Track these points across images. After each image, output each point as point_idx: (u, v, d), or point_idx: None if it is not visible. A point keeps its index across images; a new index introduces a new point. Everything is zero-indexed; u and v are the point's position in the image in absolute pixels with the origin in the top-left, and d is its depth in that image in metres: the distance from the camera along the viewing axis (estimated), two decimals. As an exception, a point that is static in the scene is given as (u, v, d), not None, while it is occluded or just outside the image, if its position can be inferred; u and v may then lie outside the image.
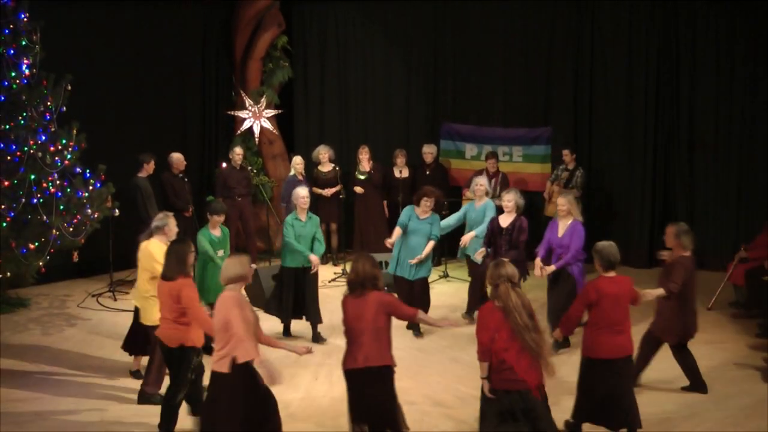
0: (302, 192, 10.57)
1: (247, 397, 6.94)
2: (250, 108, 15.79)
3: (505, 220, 10.53)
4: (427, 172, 14.76)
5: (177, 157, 13.71)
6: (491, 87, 15.59)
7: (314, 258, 10.61)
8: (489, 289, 7.08)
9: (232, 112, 15.98)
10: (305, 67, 16.48)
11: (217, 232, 10.35)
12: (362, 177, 14.69)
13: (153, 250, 8.70)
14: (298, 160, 14.26)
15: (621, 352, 7.74)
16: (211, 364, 7.06)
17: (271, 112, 15.95)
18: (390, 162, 14.90)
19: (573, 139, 14.91)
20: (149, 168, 13.26)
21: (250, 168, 14.95)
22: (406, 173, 14.65)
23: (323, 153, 14.61)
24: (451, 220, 11.79)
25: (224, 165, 14.59)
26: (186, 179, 13.59)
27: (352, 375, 7.09)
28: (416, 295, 10.72)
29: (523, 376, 6.83)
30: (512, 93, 15.49)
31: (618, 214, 15.00)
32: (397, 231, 10.88)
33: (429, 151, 14.86)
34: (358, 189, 14.62)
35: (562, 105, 15.17)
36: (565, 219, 10.05)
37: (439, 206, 11.30)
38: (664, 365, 9.44)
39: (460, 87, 15.85)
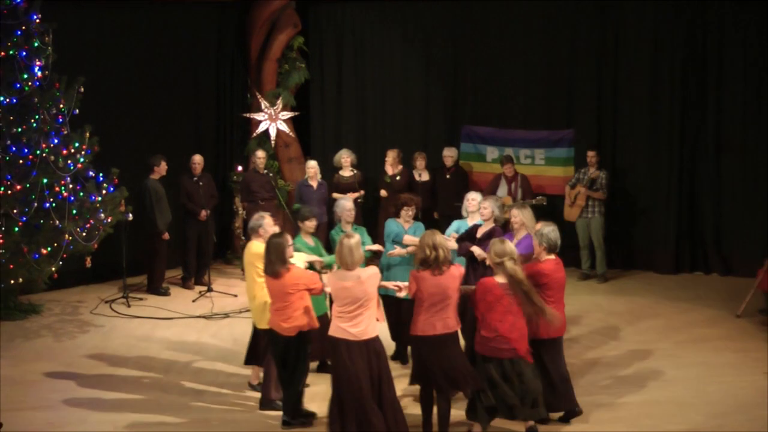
0: (348, 204, 10.27)
1: None
2: (265, 110, 15.79)
3: (481, 229, 10.01)
4: (447, 176, 14.72)
5: (196, 159, 13.79)
6: (512, 88, 15.51)
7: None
8: (492, 263, 8.00)
9: (248, 115, 15.98)
10: (322, 68, 16.46)
11: (309, 241, 9.87)
12: (389, 180, 14.61)
13: (257, 251, 8.70)
14: (310, 165, 14.26)
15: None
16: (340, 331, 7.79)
17: (287, 115, 15.94)
18: (410, 165, 14.84)
19: (596, 140, 14.82)
20: (161, 170, 13.31)
21: (266, 171, 14.93)
22: (426, 177, 14.61)
23: (345, 157, 14.55)
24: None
25: (239, 168, 14.57)
26: (201, 183, 13.61)
27: (427, 341, 7.93)
28: (404, 317, 9.60)
29: (515, 345, 7.88)
30: (534, 94, 15.41)
31: (642, 217, 14.88)
32: (399, 250, 10.25)
33: (449, 155, 14.83)
34: (383, 192, 14.50)
35: (585, 106, 15.07)
36: (520, 232, 9.68)
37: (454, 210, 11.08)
38: (685, 375, 9.39)
39: (480, 88, 15.77)
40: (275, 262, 8.12)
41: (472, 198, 10.21)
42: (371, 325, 7.84)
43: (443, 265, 7.90)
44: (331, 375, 8.00)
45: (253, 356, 9.37)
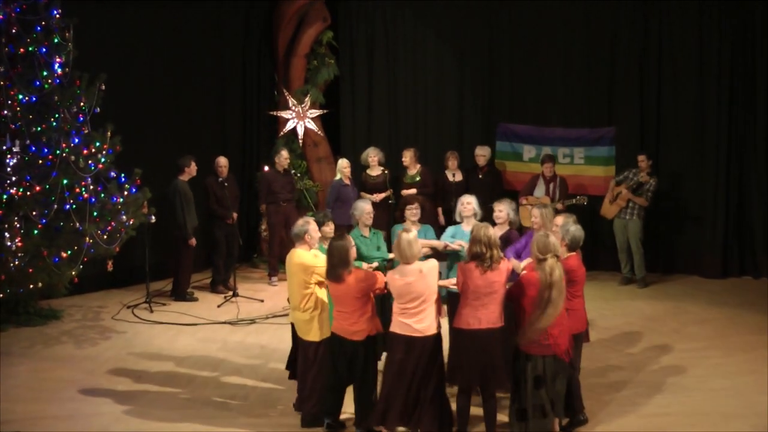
0: (366, 207, 10.23)
1: None
2: (293, 108, 15.78)
3: (495, 233, 10.00)
4: (480, 176, 14.63)
5: (221, 161, 13.80)
6: (550, 85, 15.41)
7: (365, 266, 10.35)
8: (534, 258, 7.99)
9: (275, 113, 15.98)
10: (352, 64, 16.40)
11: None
12: (408, 181, 14.53)
13: (302, 260, 8.62)
14: (344, 164, 14.18)
15: None
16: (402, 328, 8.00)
17: (315, 113, 15.92)
18: (442, 165, 14.77)
19: (639, 139, 14.71)
20: (191, 171, 13.34)
21: (293, 172, 14.91)
22: (459, 177, 14.51)
23: (373, 156, 14.47)
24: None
25: (266, 168, 14.58)
26: (226, 184, 13.62)
27: (469, 334, 8.04)
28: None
29: (556, 341, 7.91)
30: (573, 91, 15.30)
31: (687, 221, 14.76)
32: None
33: (482, 154, 14.73)
34: (408, 192, 14.38)
35: (626, 103, 14.96)
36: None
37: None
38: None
39: (516, 85, 15.68)
40: (338, 265, 8.14)
41: (467, 202, 10.06)
42: (434, 321, 8.05)
43: (495, 263, 8.01)
44: (385, 371, 8.15)
45: (296, 370, 9.18)
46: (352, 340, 8.26)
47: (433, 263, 8.14)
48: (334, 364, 8.40)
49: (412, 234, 8.11)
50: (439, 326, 8.11)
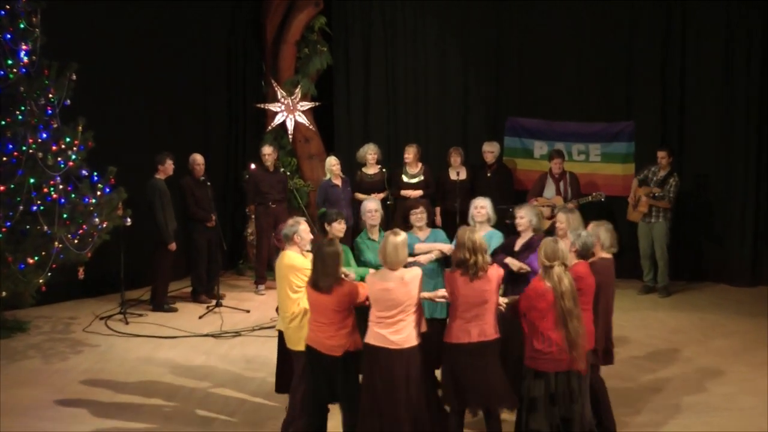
0: (370, 205, 10.04)
1: None
2: (282, 100, 15.79)
3: (519, 241, 9.81)
4: (488, 174, 14.62)
5: (198, 159, 13.77)
6: (564, 75, 15.43)
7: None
8: (540, 266, 7.91)
9: (262, 106, 15.99)
10: (347, 52, 16.42)
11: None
12: (408, 180, 14.52)
13: (292, 261, 8.57)
14: (332, 161, 14.15)
15: None
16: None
17: (306, 105, 15.94)
18: (444, 162, 14.77)
19: (660, 135, 14.72)
20: (167, 169, 13.32)
21: (282, 170, 14.91)
22: (463, 175, 14.45)
23: (372, 153, 14.41)
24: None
25: (253, 166, 14.57)
26: (209, 183, 13.61)
27: (462, 349, 7.95)
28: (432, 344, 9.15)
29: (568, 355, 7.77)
30: (588, 82, 15.32)
31: (714, 225, 14.79)
32: (423, 257, 9.91)
33: (490, 150, 14.72)
34: (411, 192, 14.34)
35: (647, 95, 14.99)
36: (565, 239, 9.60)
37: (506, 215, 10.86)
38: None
39: (526, 75, 15.69)
40: (326, 274, 8.04)
41: (481, 206, 10.00)
42: (413, 332, 7.95)
43: (480, 270, 7.92)
44: (363, 385, 8.07)
45: (285, 383, 9.14)
46: (329, 356, 8.15)
47: (417, 271, 8.07)
48: (314, 380, 8.32)
49: (400, 238, 8.02)
50: (419, 338, 8.01)
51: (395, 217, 10.73)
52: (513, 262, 9.34)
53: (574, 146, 15.03)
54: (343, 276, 8.33)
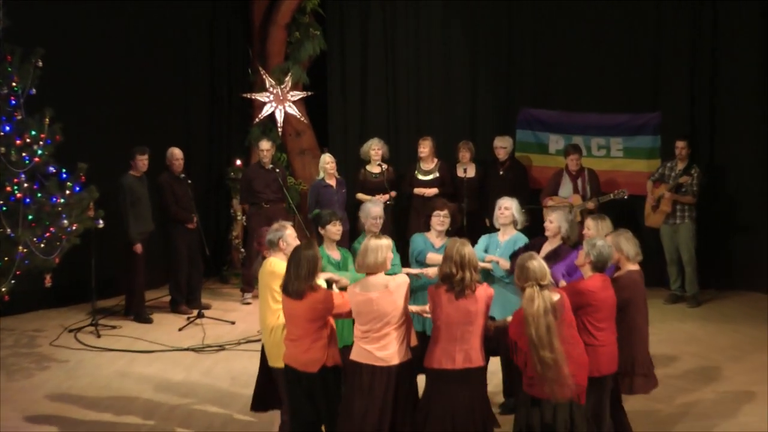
0: (375, 210, 9.99)
1: None
2: (271, 90, 15.77)
3: (545, 247, 9.79)
4: (501, 172, 14.63)
5: (176, 153, 13.73)
6: (582, 63, 15.44)
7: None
8: (517, 284, 7.76)
9: (249, 95, 15.97)
10: (342, 37, 16.41)
11: (335, 253, 9.69)
12: (423, 177, 14.49)
13: (275, 268, 8.55)
14: (327, 160, 14.12)
15: None
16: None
17: (298, 95, 15.92)
18: (452, 158, 14.75)
19: (689, 127, 14.70)
20: (141, 165, 13.30)
21: (271, 166, 14.86)
22: (472, 172, 14.46)
23: (377, 149, 14.36)
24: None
25: (238, 162, 14.55)
26: (189, 181, 13.58)
27: (443, 376, 7.82)
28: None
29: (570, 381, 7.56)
30: (610, 70, 15.33)
31: (746, 227, 14.78)
32: (422, 270, 9.91)
33: (502, 146, 14.72)
34: (424, 191, 14.30)
35: (674, 84, 15.01)
36: None
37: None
38: None
39: (541, 64, 15.73)
40: (301, 278, 7.96)
41: (506, 207, 9.96)
42: (401, 347, 7.87)
43: (467, 288, 7.78)
44: (342, 407, 8.02)
45: (262, 400, 9.16)
46: (306, 372, 8.11)
47: (403, 278, 7.99)
48: (295, 402, 8.29)
49: (383, 242, 7.97)
50: (408, 354, 7.94)
51: (410, 216, 10.55)
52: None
53: (593, 140, 15.02)
54: (325, 282, 8.37)
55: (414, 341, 8.20)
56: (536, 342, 7.41)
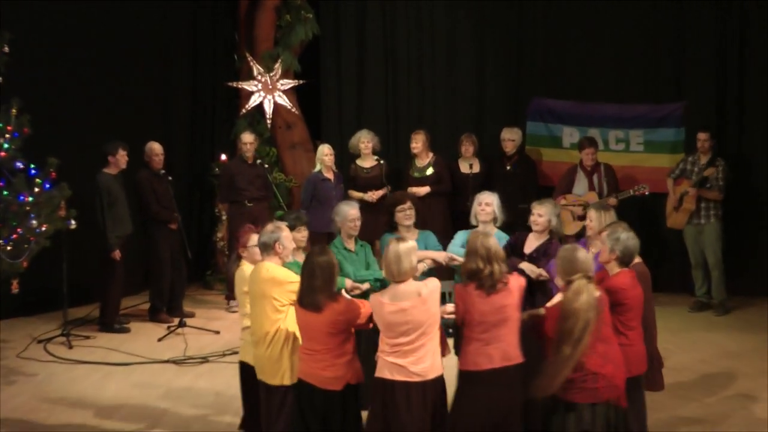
0: (352, 211, 10.06)
1: None
2: (259, 78, 15.75)
3: (530, 243, 9.95)
4: (508, 167, 14.61)
5: (156, 148, 13.67)
6: (599, 48, 15.45)
7: (349, 283, 10.23)
8: (562, 280, 7.79)
9: (235, 84, 15.93)
10: (337, 20, 16.39)
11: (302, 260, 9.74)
12: (418, 175, 14.45)
13: (274, 274, 8.41)
14: (325, 151, 14.11)
15: None
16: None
17: (288, 84, 15.90)
18: (455, 153, 14.71)
19: (715, 119, 14.67)
20: (119, 161, 13.26)
21: (260, 162, 14.84)
22: (477, 167, 14.46)
23: (366, 141, 14.36)
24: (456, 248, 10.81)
25: (224, 157, 14.51)
26: (170, 178, 13.54)
27: (480, 377, 7.85)
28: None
29: (610, 382, 7.65)
30: (629, 57, 15.34)
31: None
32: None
33: (510, 138, 14.69)
34: (418, 190, 14.25)
35: (700, 72, 14.99)
36: (596, 242, 9.53)
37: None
38: None
39: (554, 50, 15.73)
40: (317, 289, 7.90)
41: (486, 202, 10.00)
42: (436, 358, 7.86)
43: (499, 282, 7.86)
44: (370, 427, 7.98)
45: (253, 421, 9.04)
46: (325, 390, 8.00)
47: (435, 283, 7.93)
48: (304, 422, 8.16)
49: (406, 246, 7.87)
50: (441, 366, 7.92)
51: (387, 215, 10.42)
52: (530, 268, 9.28)
53: (611, 133, 15.01)
54: (345, 291, 8.28)
55: (448, 350, 8.17)
56: (565, 335, 7.48)
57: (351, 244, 10.06)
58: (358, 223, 10.05)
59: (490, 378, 7.83)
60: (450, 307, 8.40)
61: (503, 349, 7.85)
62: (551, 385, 7.55)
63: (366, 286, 9.76)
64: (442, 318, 8.37)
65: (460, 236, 9.98)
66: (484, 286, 7.83)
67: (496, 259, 7.86)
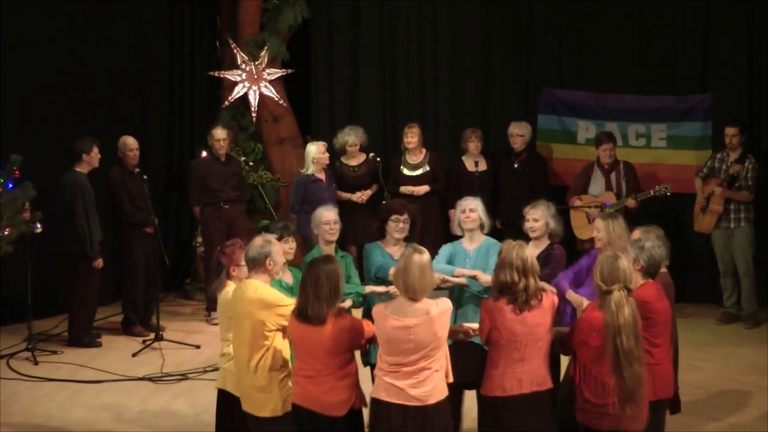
0: (328, 214, 9.96)
1: None
2: (243, 67, 15.74)
3: (530, 252, 9.81)
4: (516, 165, 14.63)
5: (130, 143, 13.70)
6: (618, 35, 15.46)
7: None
8: (597, 289, 7.81)
9: (217, 74, 15.95)
10: (329, 2, 16.37)
11: (287, 277, 9.53)
12: (410, 173, 14.46)
13: (262, 294, 8.21)
14: (321, 149, 14.07)
15: None
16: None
17: (276, 73, 15.90)
18: (458, 149, 14.72)
19: (746, 111, 14.68)
20: (91, 159, 13.23)
21: (244, 159, 14.85)
22: (483, 165, 14.46)
23: (353, 139, 14.34)
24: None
25: (204, 154, 14.54)
26: (145, 177, 13.53)
27: (508, 404, 7.88)
28: None
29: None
30: (652, 44, 15.36)
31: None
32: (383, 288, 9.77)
33: (519, 133, 14.71)
34: (413, 189, 14.25)
35: (728, 61, 15.00)
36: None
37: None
38: None
39: (569, 36, 15.74)
40: (322, 300, 7.77)
41: (471, 208, 9.89)
42: (439, 383, 7.74)
43: (533, 298, 7.87)
44: None
45: None
46: (327, 417, 7.89)
47: (447, 304, 7.83)
48: None
49: (426, 258, 7.74)
50: (445, 390, 7.82)
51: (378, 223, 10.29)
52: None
53: (630, 127, 15.04)
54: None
55: (450, 377, 7.98)
56: (624, 356, 7.50)
57: (330, 251, 9.79)
58: (336, 227, 9.90)
59: (519, 405, 7.86)
60: (474, 325, 8.40)
61: (533, 372, 7.88)
62: (643, 410, 7.62)
63: (348, 303, 9.41)
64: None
65: (446, 250, 9.83)
66: (517, 302, 7.83)
67: (532, 273, 7.88)
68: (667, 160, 14.87)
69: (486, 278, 9.30)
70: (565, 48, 15.71)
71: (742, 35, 14.85)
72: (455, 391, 8.62)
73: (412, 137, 14.41)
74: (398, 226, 9.75)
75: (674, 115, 14.94)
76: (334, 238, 9.86)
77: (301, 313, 7.81)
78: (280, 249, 8.57)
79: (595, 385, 7.71)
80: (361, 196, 14.02)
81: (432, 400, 7.66)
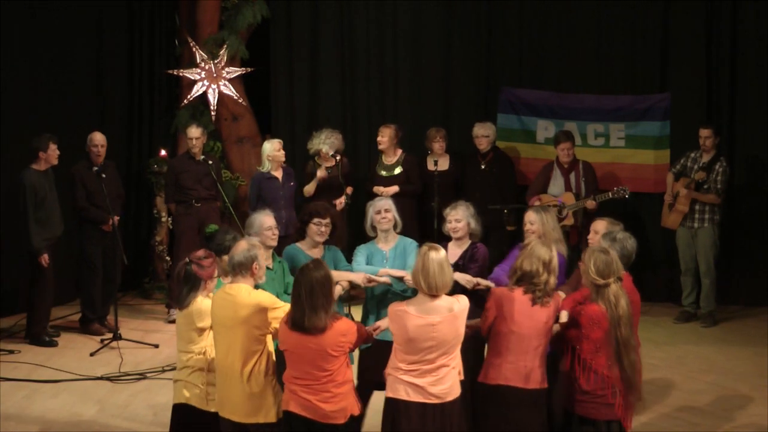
0: (267, 220, 9.79)
1: None
2: (202, 65, 15.72)
3: (452, 251, 9.79)
4: (482, 165, 14.59)
5: (97, 138, 13.70)
6: (577, 34, 15.52)
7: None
8: (589, 284, 8.01)
9: (175, 72, 15.92)
10: (288, 1, 16.34)
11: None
12: (385, 174, 14.45)
13: (257, 299, 8.08)
14: (276, 146, 14.00)
15: None
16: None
17: (235, 72, 15.87)
18: (418, 148, 14.73)
19: (705, 112, 14.74)
20: (49, 157, 13.14)
21: (203, 157, 14.82)
22: (445, 165, 14.44)
23: (324, 147, 14.19)
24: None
25: (163, 153, 14.48)
26: (104, 174, 13.47)
27: (510, 396, 8.00)
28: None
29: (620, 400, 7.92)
30: (609, 41, 15.42)
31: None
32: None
33: (484, 134, 14.67)
34: (382, 189, 14.19)
35: (687, 59, 15.07)
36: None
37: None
38: None
39: (528, 35, 15.76)
40: (318, 309, 7.65)
41: (385, 209, 9.83)
42: (456, 380, 7.86)
43: (547, 295, 8.01)
44: None
45: None
46: (326, 425, 7.79)
47: (466, 301, 7.90)
48: None
49: (443, 253, 7.81)
50: (459, 387, 7.90)
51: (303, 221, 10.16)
52: (465, 278, 9.30)
53: (589, 126, 15.09)
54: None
55: (461, 374, 8.05)
56: (623, 346, 7.80)
57: (267, 259, 9.55)
58: (276, 232, 9.80)
59: (522, 400, 7.99)
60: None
61: (535, 369, 8.02)
62: (638, 396, 8.09)
63: (340, 289, 9.34)
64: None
65: (362, 251, 9.78)
66: (534, 293, 7.98)
67: (554, 272, 8.01)
68: (625, 159, 14.92)
69: (410, 278, 9.03)
70: (526, 47, 15.72)
71: (701, 35, 14.92)
72: (365, 393, 8.83)
73: (381, 137, 14.36)
74: (320, 229, 9.67)
75: (633, 114, 15.00)
76: (275, 244, 9.72)
77: (296, 324, 7.69)
78: (263, 254, 8.51)
79: (595, 377, 7.86)
80: (340, 204, 13.78)
81: (450, 398, 7.76)
